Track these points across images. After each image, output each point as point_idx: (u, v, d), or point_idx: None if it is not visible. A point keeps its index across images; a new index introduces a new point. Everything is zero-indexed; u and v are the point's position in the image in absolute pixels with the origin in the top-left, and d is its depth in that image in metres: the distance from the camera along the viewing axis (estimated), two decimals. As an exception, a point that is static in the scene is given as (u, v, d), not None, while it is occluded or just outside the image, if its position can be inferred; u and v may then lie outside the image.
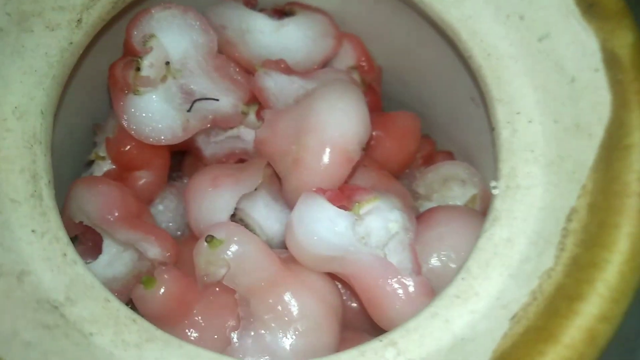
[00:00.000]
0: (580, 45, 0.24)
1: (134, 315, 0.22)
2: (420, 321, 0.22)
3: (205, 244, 0.27)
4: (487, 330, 0.21)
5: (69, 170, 0.33)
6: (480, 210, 0.33)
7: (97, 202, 0.29)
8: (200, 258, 0.27)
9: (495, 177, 0.25)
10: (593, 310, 0.18)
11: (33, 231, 0.22)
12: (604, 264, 0.19)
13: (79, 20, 0.26)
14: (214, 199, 0.30)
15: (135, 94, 0.29)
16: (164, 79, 0.31)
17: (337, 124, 0.29)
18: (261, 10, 0.37)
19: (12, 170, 0.23)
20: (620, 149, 0.21)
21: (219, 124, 0.31)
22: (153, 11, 0.30)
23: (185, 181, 0.35)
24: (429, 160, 0.39)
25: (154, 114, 0.30)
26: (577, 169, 0.22)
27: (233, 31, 0.34)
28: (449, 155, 0.39)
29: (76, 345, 0.20)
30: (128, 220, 0.30)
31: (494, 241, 0.23)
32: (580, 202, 0.22)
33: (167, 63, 0.30)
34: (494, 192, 0.25)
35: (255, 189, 0.31)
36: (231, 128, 0.33)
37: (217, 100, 0.31)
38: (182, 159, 0.37)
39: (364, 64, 0.38)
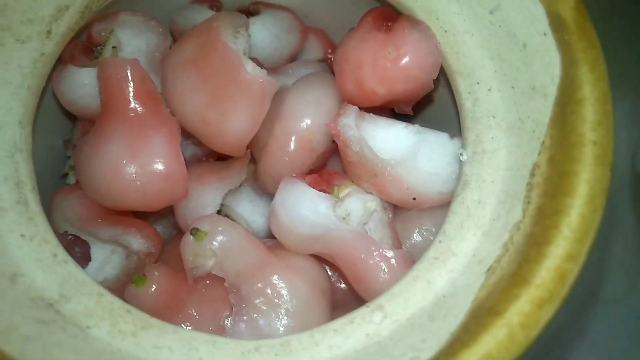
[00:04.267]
0: (527, 13, 0.25)
1: (128, 307, 0.22)
2: (404, 285, 0.23)
3: (191, 237, 0.28)
4: (466, 284, 0.22)
5: (52, 186, 0.33)
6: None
7: (77, 206, 0.30)
8: (187, 251, 0.28)
9: (463, 146, 0.27)
10: (560, 251, 0.19)
11: (22, 235, 0.23)
12: (566, 209, 0.20)
13: (49, 32, 0.27)
14: (200, 195, 0.31)
15: (75, 65, 0.30)
16: None
17: (304, 115, 0.30)
18: (226, 11, 0.38)
19: (-4, 179, 0.24)
20: (573, 103, 0.22)
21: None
22: (121, 14, 0.31)
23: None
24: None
25: (87, 86, 0.30)
26: (536, 127, 0.24)
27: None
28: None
29: (74, 337, 0.20)
30: (108, 218, 0.30)
31: (466, 204, 0.24)
32: (541, 158, 0.23)
33: (114, 47, 0.31)
34: (462, 159, 0.26)
35: (240, 185, 0.32)
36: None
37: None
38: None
39: (331, 55, 0.39)
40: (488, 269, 0.22)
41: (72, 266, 0.23)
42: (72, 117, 0.35)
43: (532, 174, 0.23)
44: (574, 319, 0.45)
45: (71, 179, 0.35)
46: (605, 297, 0.46)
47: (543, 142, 0.23)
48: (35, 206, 0.24)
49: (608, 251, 0.47)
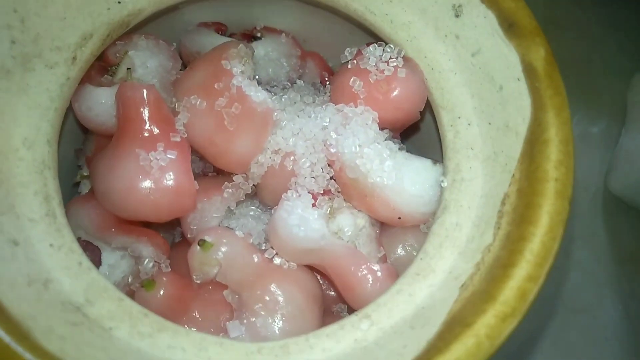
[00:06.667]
0: (504, 59, 0.28)
1: (145, 310, 0.25)
2: (389, 297, 0.26)
3: (198, 247, 0.31)
4: (442, 298, 0.25)
5: (63, 193, 0.36)
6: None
7: (92, 215, 0.33)
8: (194, 260, 0.31)
9: (444, 173, 0.30)
10: (522, 273, 0.23)
11: (51, 245, 0.25)
12: (530, 236, 0.24)
13: (74, 58, 0.29)
14: (205, 208, 0.33)
15: (91, 84, 0.32)
16: (122, 80, 0.34)
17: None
18: (231, 35, 0.41)
19: (27, 193, 0.26)
20: (540, 143, 0.26)
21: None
22: (134, 37, 0.34)
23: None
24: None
25: (102, 105, 0.33)
26: (508, 161, 0.27)
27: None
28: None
29: (100, 337, 0.23)
30: (121, 227, 0.33)
31: (445, 226, 0.28)
32: (511, 189, 0.26)
33: (129, 69, 0.34)
34: (443, 185, 0.29)
35: (243, 200, 0.35)
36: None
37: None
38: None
39: (327, 79, 0.42)
40: (462, 285, 0.25)
41: (95, 273, 0.26)
42: (83, 129, 0.37)
43: (503, 203, 0.26)
44: (546, 327, 0.48)
45: (82, 188, 0.37)
46: (575, 306, 0.49)
47: (513, 175, 0.27)
48: (62, 218, 0.26)
49: (579, 264, 0.51)
